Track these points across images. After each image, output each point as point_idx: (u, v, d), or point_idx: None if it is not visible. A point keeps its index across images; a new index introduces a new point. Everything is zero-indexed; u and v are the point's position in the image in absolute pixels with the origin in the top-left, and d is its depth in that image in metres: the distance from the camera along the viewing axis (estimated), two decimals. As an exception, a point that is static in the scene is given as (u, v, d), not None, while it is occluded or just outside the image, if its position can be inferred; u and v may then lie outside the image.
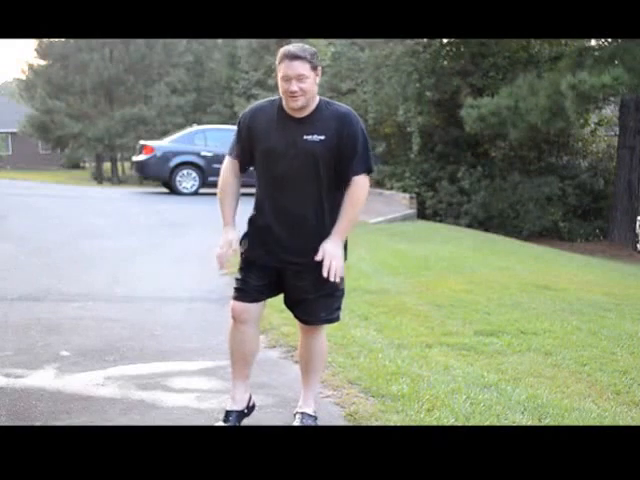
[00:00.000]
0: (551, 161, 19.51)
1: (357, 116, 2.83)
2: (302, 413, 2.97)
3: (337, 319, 2.97)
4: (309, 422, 2.94)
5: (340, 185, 2.81)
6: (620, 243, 16.73)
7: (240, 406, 2.97)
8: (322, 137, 2.72)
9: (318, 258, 2.70)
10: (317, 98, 2.79)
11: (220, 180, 2.94)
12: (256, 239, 2.87)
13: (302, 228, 2.80)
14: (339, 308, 2.96)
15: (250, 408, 3.02)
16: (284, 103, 2.77)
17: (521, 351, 4.32)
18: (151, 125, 28.67)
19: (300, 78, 2.66)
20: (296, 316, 2.98)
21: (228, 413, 2.95)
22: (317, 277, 2.74)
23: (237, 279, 2.92)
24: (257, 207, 2.90)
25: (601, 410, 3.33)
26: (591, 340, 4.72)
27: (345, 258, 2.84)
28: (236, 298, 2.89)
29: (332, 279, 2.71)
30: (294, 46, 2.72)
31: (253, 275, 2.87)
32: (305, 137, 2.73)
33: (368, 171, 2.81)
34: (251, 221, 2.92)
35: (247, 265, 2.89)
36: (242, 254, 2.90)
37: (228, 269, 3.03)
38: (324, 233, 2.77)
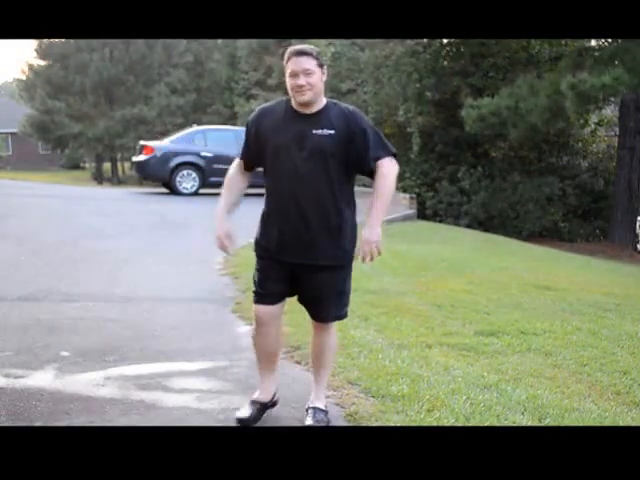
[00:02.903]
0: (551, 161, 19.53)
1: (362, 113, 2.96)
2: (314, 408, 3.04)
3: (345, 315, 3.06)
4: (321, 417, 3.00)
5: (351, 180, 2.88)
6: (620, 243, 16.73)
7: (264, 398, 3.09)
8: (332, 131, 2.78)
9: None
10: (325, 98, 2.86)
11: (226, 177, 3.04)
12: (269, 237, 2.90)
13: (312, 224, 2.80)
14: (347, 304, 3.05)
15: (273, 403, 3.13)
16: (293, 101, 2.83)
17: (521, 351, 4.31)
18: (151, 125, 28.73)
19: (307, 72, 2.74)
20: (309, 313, 3.03)
21: (253, 402, 3.05)
22: (328, 275, 2.85)
23: (255, 281, 2.96)
24: (269, 205, 2.91)
25: (601, 410, 3.33)
26: (591, 340, 4.72)
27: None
28: (257, 302, 2.94)
29: (364, 262, 2.84)
30: (300, 45, 2.82)
31: (269, 276, 2.91)
32: (314, 131, 2.78)
33: (390, 154, 2.86)
34: (263, 219, 2.94)
35: (262, 266, 2.94)
36: (257, 253, 2.95)
37: (232, 251, 3.04)
38: (335, 230, 2.82)
